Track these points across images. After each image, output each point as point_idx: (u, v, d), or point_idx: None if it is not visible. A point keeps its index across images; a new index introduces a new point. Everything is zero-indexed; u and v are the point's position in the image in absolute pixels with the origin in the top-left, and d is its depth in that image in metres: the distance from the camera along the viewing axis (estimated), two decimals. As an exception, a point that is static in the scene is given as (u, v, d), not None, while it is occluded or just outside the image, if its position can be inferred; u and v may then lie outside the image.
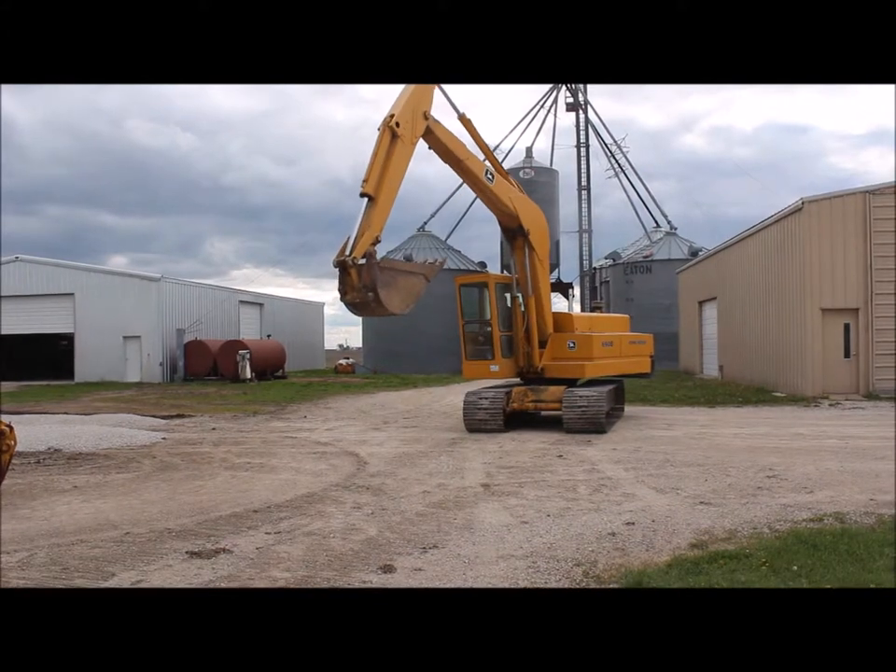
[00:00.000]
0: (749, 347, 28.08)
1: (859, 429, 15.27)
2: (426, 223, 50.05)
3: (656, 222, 52.42)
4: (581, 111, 52.00)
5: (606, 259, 53.07)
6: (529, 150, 51.86)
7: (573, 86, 51.64)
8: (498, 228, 16.71)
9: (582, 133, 51.94)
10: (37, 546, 7.26)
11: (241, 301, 48.59)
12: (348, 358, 52.79)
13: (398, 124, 12.65)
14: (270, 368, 40.94)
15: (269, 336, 47.80)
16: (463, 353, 16.66)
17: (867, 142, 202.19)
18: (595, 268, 52.67)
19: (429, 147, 14.09)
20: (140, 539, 7.49)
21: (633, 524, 7.78)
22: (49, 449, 13.86)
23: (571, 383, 16.26)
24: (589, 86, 52.50)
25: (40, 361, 44.27)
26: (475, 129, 15.42)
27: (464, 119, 15.24)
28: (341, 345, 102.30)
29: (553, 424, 16.15)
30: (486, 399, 15.79)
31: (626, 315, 21.96)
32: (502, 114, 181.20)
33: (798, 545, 6.59)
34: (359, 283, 12.03)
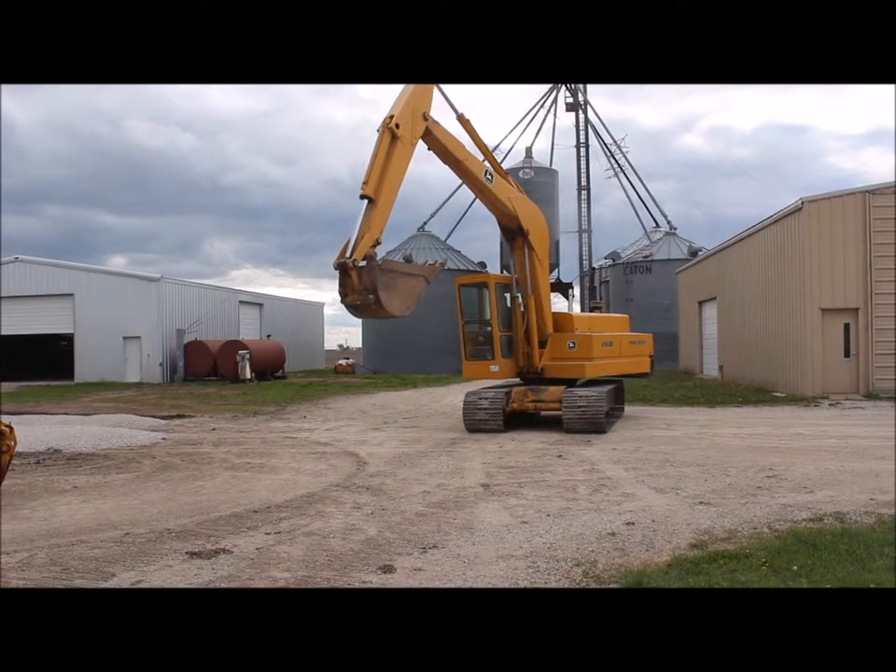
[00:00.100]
0: (748, 347, 28.08)
1: (859, 429, 15.27)
2: (425, 223, 50.08)
3: (656, 222, 52.45)
4: (580, 111, 52.00)
5: (605, 259, 53.07)
6: (529, 150, 51.87)
7: (573, 86, 51.63)
8: (498, 228, 16.71)
9: (582, 133, 51.96)
10: (37, 546, 7.26)
11: (240, 302, 48.60)
12: (348, 359, 52.77)
13: (397, 125, 12.65)
14: (269, 368, 40.94)
15: (269, 336, 47.79)
16: (463, 353, 16.66)
17: (866, 142, 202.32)
18: (594, 268, 52.66)
19: (429, 148, 14.09)
20: (140, 540, 7.49)
21: (633, 524, 7.78)
22: (49, 449, 13.86)
23: (571, 383, 16.26)
24: (589, 86, 52.53)
25: (40, 362, 44.28)
26: (474, 129, 15.42)
27: (463, 120, 15.24)
28: (340, 345, 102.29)
29: (553, 424, 16.15)
30: (486, 399, 15.80)
31: (626, 315, 21.96)
32: (502, 114, 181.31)
33: (798, 545, 6.60)
34: (360, 285, 12.03)
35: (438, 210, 51.51)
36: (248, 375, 37.47)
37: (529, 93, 79.85)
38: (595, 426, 14.95)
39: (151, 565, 6.64)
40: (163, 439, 15.69)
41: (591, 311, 33.56)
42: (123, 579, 6.26)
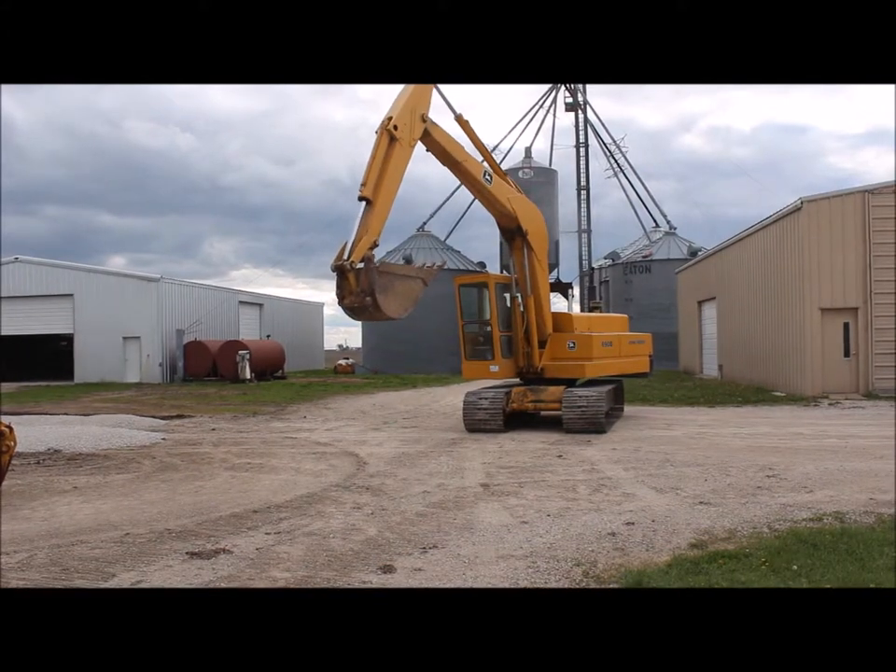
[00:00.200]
0: (748, 347, 28.09)
1: (858, 429, 15.28)
2: (425, 223, 50.10)
3: (655, 222, 52.48)
4: (580, 111, 51.99)
5: (605, 258, 53.11)
6: (528, 150, 51.87)
7: (572, 86, 51.63)
8: (497, 228, 16.71)
9: (581, 133, 51.94)
10: (37, 547, 7.26)
11: (240, 302, 48.60)
12: (348, 359, 52.77)
13: (395, 127, 12.64)
14: (269, 368, 40.95)
15: (268, 336, 47.81)
16: (463, 353, 16.66)
17: (865, 142, 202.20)
18: (594, 268, 52.68)
19: (427, 150, 14.08)
20: (140, 540, 7.49)
21: (633, 523, 7.78)
22: (49, 450, 13.85)
23: (571, 383, 16.26)
24: (588, 86, 52.52)
25: (40, 362, 44.27)
26: (472, 130, 15.42)
27: (461, 121, 15.24)
28: (340, 346, 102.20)
29: (553, 424, 16.15)
30: (486, 399, 15.80)
31: (625, 315, 21.97)
32: (501, 114, 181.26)
33: (798, 545, 6.60)
34: (357, 287, 12.00)
35: (437, 210, 51.60)
36: (248, 375, 37.47)
37: (529, 93, 79.91)
38: (594, 426, 14.95)
39: (151, 565, 6.64)
40: (163, 439, 15.69)
41: (590, 311, 33.59)
42: (123, 579, 6.26)
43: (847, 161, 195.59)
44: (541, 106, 53.83)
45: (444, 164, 14.50)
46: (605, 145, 53.29)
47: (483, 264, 48.25)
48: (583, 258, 52.48)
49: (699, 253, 41.11)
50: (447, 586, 5.94)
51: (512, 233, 15.98)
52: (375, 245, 12.28)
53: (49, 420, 19.10)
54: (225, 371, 38.28)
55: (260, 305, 51.50)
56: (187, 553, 6.98)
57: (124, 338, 39.88)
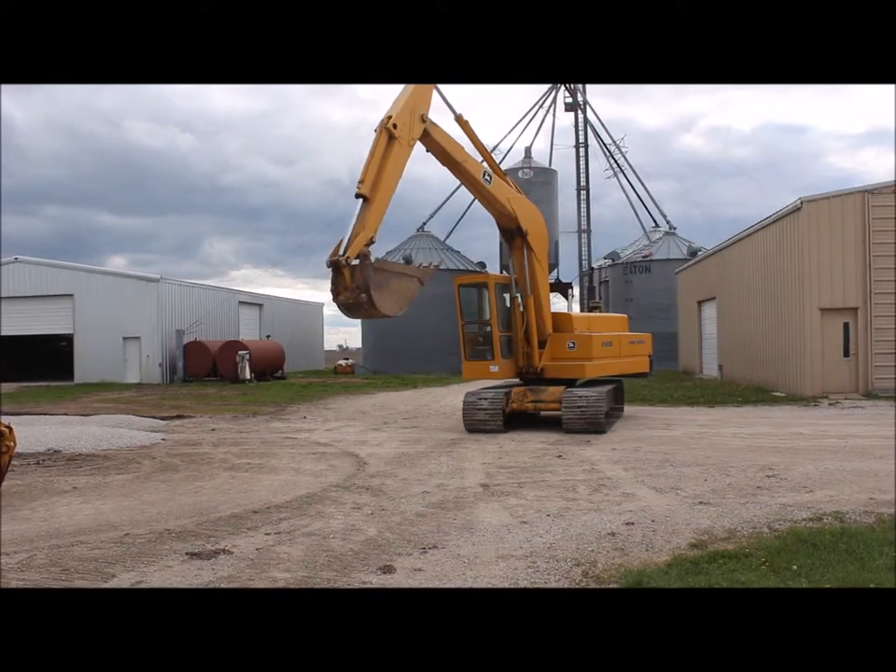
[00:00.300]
0: (748, 347, 28.09)
1: (858, 428, 15.28)
2: (425, 223, 50.11)
3: (655, 222, 52.49)
4: (579, 111, 52.01)
5: (605, 259, 53.12)
6: (528, 150, 51.88)
7: (572, 86, 51.64)
8: (497, 228, 16.71)
9: (581, 133, 51.96)
10: (37, 547, 7.26)
11: (240, 302, 48.59)
12: (347, 359, 52.78)
13: (395, 126, 12.62)
14: (269, 368, 40.95)
15: (268, 337, 47.81)
16: (462, 353, 16.66)
17: (865, 141, 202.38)
18: (593, 268, 52.69)
19: (427, 150, 14.07)
20: (140, 541, 7.49)
21: (632, 523, 7.78)
22: (49, 450, 13.85)
23: (570, 383, 16.26)
24: (588, 86, 52.54)
25: (39, 362, 44.27)
26: (472, 130, 15.42)
27: (461, 121, 15.23)
28: (340, 346, 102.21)
29: (553, 424, 16.15)
30: (486, 399, 15.80)
31: (624, 315, 21.97)
32: (501, 114, 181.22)
33: (798, 544, 6.60)
34: (352, 283, 11.93)
35: (437, 210, 51.62)
36: (248, 376, 37.47)
37: (528, 93, 79.85)
38: (594, 426, 14.95)
39: (151, 565, 6.64)
40: (163, 439, 15.68)
41: (590, 311, 33.59)
42: (123, 579, 6.25)
43: (846, 161, 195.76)
44: (541, 106, 53.89)
45: (444, 165, 14.49)
46: (604, 145, 53.35)
47: (482, 264, 48.26)
48: (583, 258, 52.51)
49: (699, 253, 41.11)
50: (447, 586, 5.94)
51: (512, 234, 15.97)
52: (372, 241, 12.20)
53: (49, 420, 19.10)
54: (225, 371, 38.28)
55: (260, 305, 51.50)
56: (186, 553, 6.97)
57: (124, 338, 39.87)
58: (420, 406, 23.24)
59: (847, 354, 22.74)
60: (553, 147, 56.28)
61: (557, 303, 20.26)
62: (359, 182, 12.26)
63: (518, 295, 16.09)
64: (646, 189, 55.42)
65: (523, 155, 51.59)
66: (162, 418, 20.01)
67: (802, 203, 22.79)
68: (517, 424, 16.13)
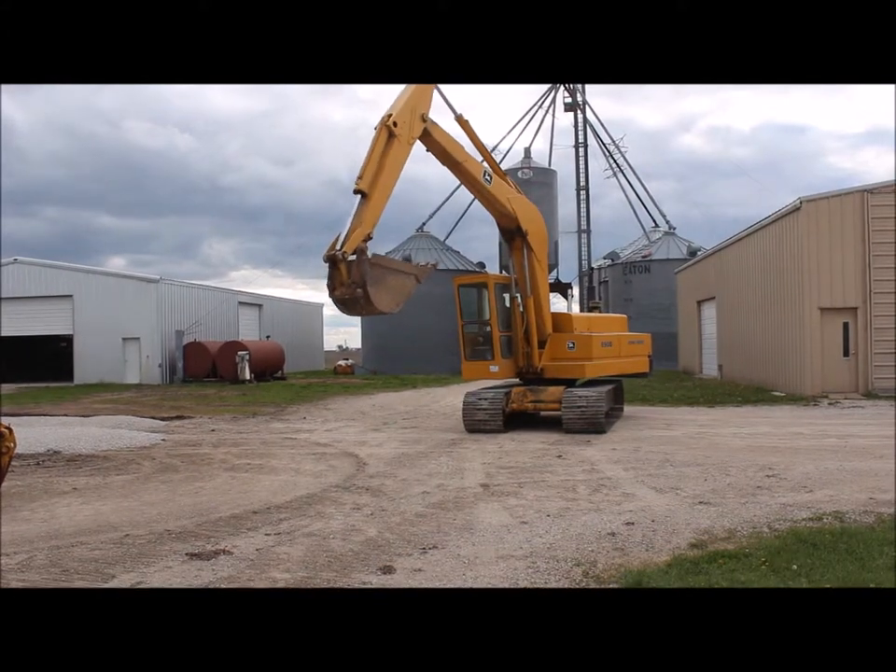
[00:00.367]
0: (747, 347, 28.10)
1: (858, 428, 15.28)
2: (424, 224, 50.14)
3: (655, 222, 52.52)
4: (579, 111, 52.02)
5: (604, 259, 53.14)
6: (528, 151, 51.91)
7: (571, 86, 51.66)
8: (497, 228, 16.71)
9: (581, 133, 51.98)
10: (37, 548, 7.26)
11: (240, 303, 48.58)
12: (347, 359, 52.79)
13: (395, 124, 12.61)
14: (269, 369, 40.94)
15: (268, 337, 47.81)
16: (462, 353, 16.66)
17: (865, 141, 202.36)
18: (593, 268, 52.72)
19: (427, 150, 14.07)
20: (140, 541, 7.48)
21: (632, 524, 7.78)
22: (49, 451, 13.85)
23: (570, 383, 16.26)
24: (587, 86, 52.55)
25: (39, 363, 44.24)
26: (473, 130, 15.42)
27: (461, 121, 15.23)
28: (340, 346, 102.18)
29: (553, 424, 16.15)
30: (486, 399, 15.80)
31: (624, 315, 21.98)
32: (500, 114, 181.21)
33: (797, 544, 6.60)
34: (348, 279, 11.84)
35: (437, 210, 51.65)
36: (248, 376, 37.46)
37: (528, 94, 79.85)
38: (594, 426, 14.95)
39: (151, 566, 6.64)
40: (163, 440, 15.68)
41: (590, 311, 33.59)
42: (123, 580, 6.25)
43: (846, 161, 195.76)
44: (541, 107, 53.90)
45: (444, 164, 14.49)
46: (604, 145, 53.38)
47: (482, 264, 48.29)
48: (583, 258, 52.54)
49: (698, 253, 41.14)
50: (447, 586, 5.94)
51: (512, 234, 15.98)
52: (369, 237, 12.11)
53: (49, 421, 19.10)
54: (224, 371, 38.27)
55: (260, 306, 51.49)
56: (186, 554, 6.97)
57: (124, 339, 39.87)
58: (420, 406, 23.24)
59: (846, 353, 22.75)
60: (553, 147, 56.35)
61: (557, 303, 20.26)
62: (358, 178, 12.22)
63: (518, 295, 16.09)
64: (645, 189, 55.62)
65: (522, 155, 51.62)
66: (162, 419, 20.01)
67: (801, 202, 22.80)
68: (517, 424, 16.13)
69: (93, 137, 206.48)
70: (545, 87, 53.26)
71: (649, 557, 6.57)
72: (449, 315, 18.89)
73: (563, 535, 7.40)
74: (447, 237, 51.57)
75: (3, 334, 40.95)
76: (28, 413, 22.06)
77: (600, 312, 28.03)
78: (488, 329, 16.16)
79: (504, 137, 63.80)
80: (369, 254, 11.99)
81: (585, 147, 51.98)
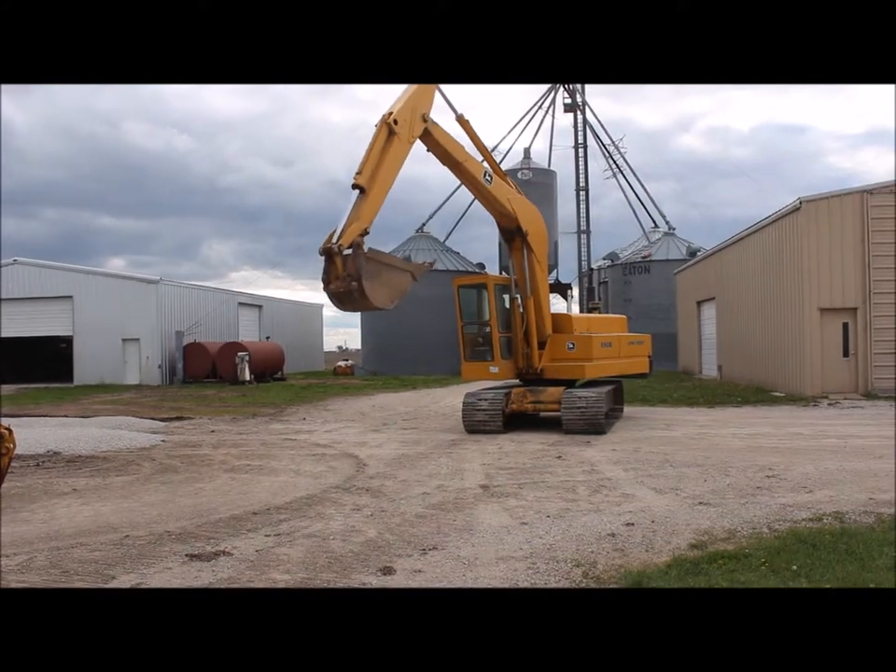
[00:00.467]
0: (747, 347, 28.10)
1: (858, 429, 15.28)
2: (424, 224, 50.15)
3: (654, 223, 52.56)
4: (578, 112, 52.04)
5: (604, 259, 53.16)
6: (527, 151, 51.92)
7: (571, 87, 51.69)
8: (497, 229, 16.70)
9: (580, 133, 52.00)
10: (37, 549, 7.25)
11: (239, 303, 48.58)
12: (347, 360, 52.80)
13: (395, 122, 12.61)
14: (269, 370, 40.93)
15: (268, 338, 47.81)
16: (462, 354, 16.65)
17: (864, 142, 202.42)
18: (593, 269, 52.74)
19: (428, 150, 14.07)
20: (140, 542, 7.48)
21: (632, 524, 7.78)
22: (49, 452, 13.84)
23: (570, 384, 16.26)
24: (587, 86, 52.58)
25: (39, 364, 44.24)
26: (473, 130, 15.42)
27: (462, 121, 15.23)
28: (340, 347, 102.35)
29: (553, 425, 16.15)
30: (485, 400, 15.79)
31: (624, 316, 21.99)
32: (500, 115, 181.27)
33: (797, 545, 6.60)
34: (344, 272, 11.79)
35: (437, 211, 51.68)
36: (247, 377, 37.45)
37: (528, 94, 79.84)
38: (594, 426, 14.95)
39: (151, 567, 6.63)
40: (163, 441, 15.68)
41: (589, 312, 33.61)
42: (123, 581, 6.25)
43: (846, 161, 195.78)
44: (540, 107, 53.93)
45: (445, 164, 14.49)
46: (603, 145, 53.43)
47: (482, 265, 48.31)
48: (582, 258, 52.56)
49: (698, 253, 41.16)
50: (446, 586, 5.93)
51: (512, 234, 15.97)
52: (366, 232, 12.02)
53: (49, 422, 19.10)
54: (224, 372, 38.26)
55: (260, 307, 51.49)
56: (186, 555, 6.97)
57: (123, 340, 39.85)
58: (419, 407, 23.24)
59: (846, 354, 22.76)
60: (553, 147, 56.35)
61: (557, 304, 20.28)
62: (357, 173, 12.17)
63: (518, 296, 16.09)
64: (645, 189, 55.64)
65: (522, 156, 51.62)
66: (162, 420, 20.00)
67: (801, 203, 22.81)
68: (517, 424, 16.13)
69: (92, 138, 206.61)
70: (545, 87, 53.34)
71: (649, 558, 6.56)
72: (449, 315, 18.88)
73: (563, 536, 7.39)
74: (447, 238, 51.66)
75: (3, 335, 40.94)
76: (28, 413, 22.05)
77: (600, 312, 28.07)
78: (488, 329, 16.16)
79: (504, 138, 63.86)
80: (365, 248, 11.94)
81: (585, 147, 52.03)
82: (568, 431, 15.04)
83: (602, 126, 54.62)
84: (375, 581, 6.11)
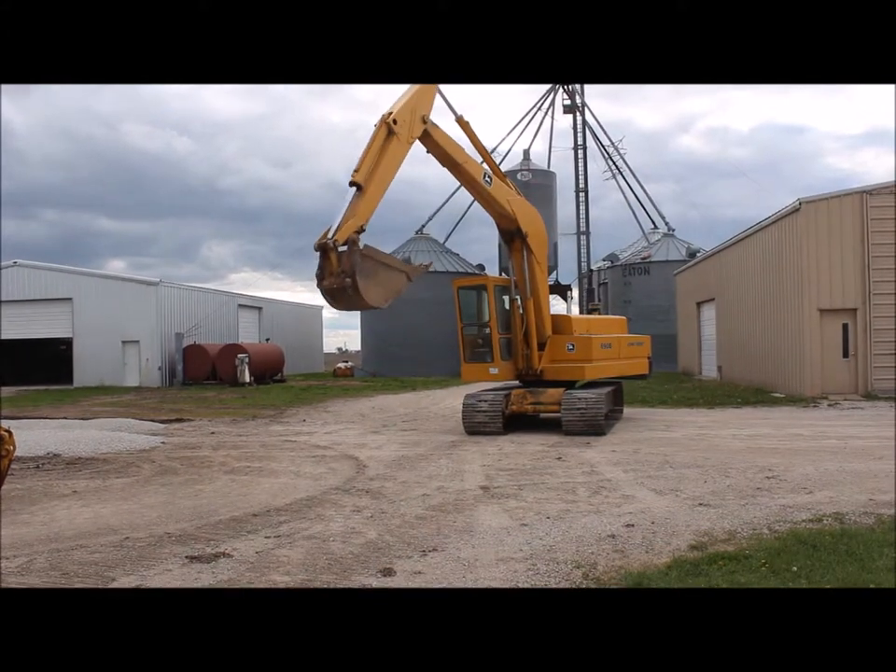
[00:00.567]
0: (747, 348, 28.10)
1: (857, 429, 15.28)
2: (424, 226, 50.16)
3: (654, 224, 52.59)
4: (578, 113, 52.07)
5: (604, 260, 53.19)
6: (527, 153, 51.97)
7: (570, 88, 51.73)
8: (497, 230, 16.71)
9: (580, 135, 52.06)
10: (37, 551, 7.24)
11: (239, 305, 48.57)
12: (347, 362, 52.77)
13: (395, 121, 12.61)
14: (268, 371, 40.92)
15: (267, 340, 47.79)
16: (462, 355, 16.65)
17: (864, 142, 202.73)
18: (592, 270, 52.76)
19: (427, 151, 14.07)
20: (140, 544, 7.47)
21: (632, 525, 7.77)
22: (49, 454, 13.83)
23: (570, 385, 16.26)
24: (586, 87, 52.63)
25: (39, 366, 44.24)
26: (473, 131, 15.42)
27: (462, 122, 15.24)
28: (339, 349, 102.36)
29: (553, 426, 16.14)
30: (485, 401, 15.78)
31: (623, 317, 21.99)
32: (500, 116, 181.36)
33: (798, 546, 6.59)
34: (338, 268, 11.73)
35: (436, 212, 51.69)
36: (247, 379, 37.43)
37: (527, 95, 79.89)
38: (594, 427, 14.94)
39: (151, 569, 6.62)
40: (163, 443, 15.67)
41: (589, 313, 33.62)
42: (123, 583, 6.24)
43: (845, 162, 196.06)
44: (539, 108, 53.99)
45: (444, 166, 14.50)
46: (603, 147, 53.47)
47: (482, 266, 48.34)
48: (582, 260, 52.61)
49: (698, 254, 41.17)
50: (446, 587, 5.93)
51: (512, 235, 15.97)
52: (362, 229, 11.99)
53: (49, 424, 19.08)
54: (224, 374, 38.24)
55: (259, 309, 51.47)
56: (186, 556, 6.96)
57: (123, 342, 39.83)
58: (419, 408, 23.23)
59: (846, 355, 22.76)
60: (552, 149, 56.41)
61: (556, 305, 20.29)
62: (354, 171, 12.14)
63: (517, 297, 16.09)
64: (644, 190, 55.64)
65: (521, 157, 51.66)
66: (162, 422, 19.99)
67: (800, 203, 22.82)
68: (517, 426, 16.12)
69: (92, 140, 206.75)
70: (544, 89, 53.40)
71: (649, 559, 6.56)
72: (448, 317, 18.88)
73: (563, 537, 7.39)
74: (447, 239, 51.71)
75: (2, 337, 40.92)
76: (28, 415, 22.04)
77: (600, 314, 28.07)
78: (488, 331, 16.15)
79: (503, 139, 64.03)
80: (360, 245, 11.92)
81: (584, 148, 52.09)
82: (568, 432, 15.03)
83: (601, 127, 54.73)
84: (375, 583, 6.10)
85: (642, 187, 55.18)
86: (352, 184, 12.14)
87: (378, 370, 45.29)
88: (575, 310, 47.34)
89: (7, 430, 6.66)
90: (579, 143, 51.96)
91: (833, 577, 5.69)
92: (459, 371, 17.44)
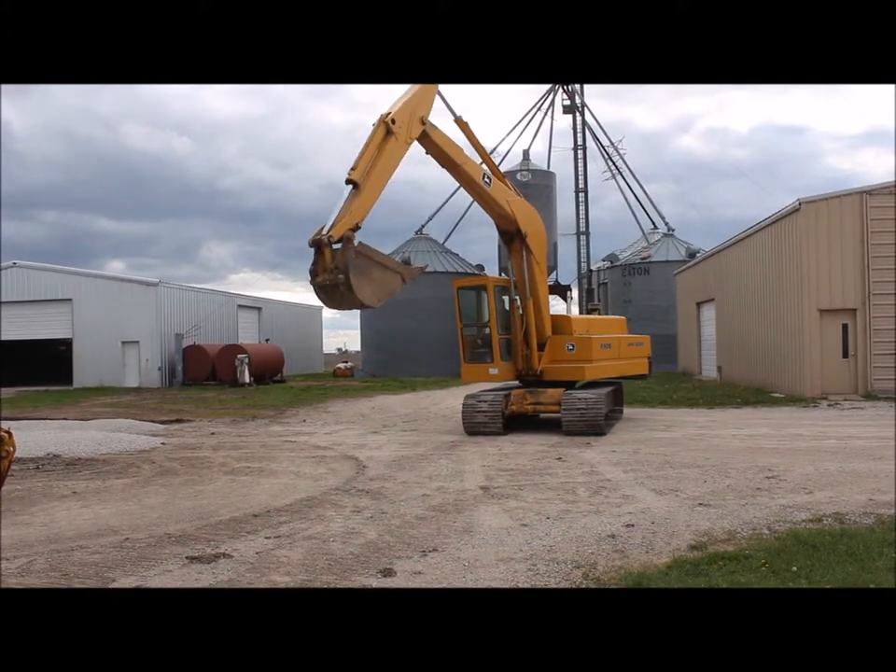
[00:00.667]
0: (747, 348, 28.10)
1: (857, 430, 15.28)
2: (423, 226, 50.13)
3: (653, 224, 52.55)
4: (577, 113, 52.06)
5: (603, 261, 53.19)
6: (526, 153, 51.95)
7: (570, 88, 51.72)
8: (496, 231, 16.70)
9: (579, 135, 52.02)
10: (37, 552, 7.24)
11: (239, 306, 48.55)
12: (347, 362, 52.74)
13: (393, 121, 12.61)
14: (268, 372, 40.90)
15: (267, 340, 47.76)
16: (462, 356, 16.65)
17: (863, 142, 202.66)
18: (592, 270, 52.76)
19: (426, 152, 14.06)
20: (140, 545, 7.47)
21: (632, 525, 7.77)
22: (48, 455, 13.83)
23: (570, 385, 16.26)
24: (585, 87, 52.61)
25: (38, 367, 44.19)
26: (472, 132, 15.42)
27: (461, 122, 15.24)
28: (339, 349, 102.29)
29: (553, 426, 16.14)
30: (485, 401, 15.78)
31: (623, 317, 22.00)
32: (499, 116, 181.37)
33: (797, 546, 6.60)
34: (332, 264, 11.71)
35: (436, 213, 51.64)
36: (247, 379, 37.42)
37: (527, 95, 79.77)
38: (594, 428, 14.95)
39: (151, 570, 6.62)
40: (162, 443, 15.66)
41: (589, 313, 33.61)
42: (123, 584, 6.24)
43: (845, 162, 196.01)
44: (539, 109, 53.95)
45: (443, 167, 14.49)
46: (602, 147, 53.40)
47: (481, 267, 48.32)
48: (582, 260, 52.58)
49: (697, 254, 41.17)
50: (446, 587, 5.93)
51: (511, 236, 15.97)
52: (357, 227, 11.97)
53: (49, 425, 19.08)
54: (224, 375, 38.22)
55: (259, 309, 51.45)
56: (186, 557, 6.96)
57: (123, 342, 39.81)
58: (419, 409, 23.23)
59: (846, 355, 22.75)
60: (552, 149, 56.31)
61: (556, 306, 20.29)
62: (351, 169, 12.12)
63: (517, 297, 16.10)
64: (644, 190, 55.51)
65: (521, 157, 51.65)
66: (162, 422, 19.99)
67: (800, 203, 22.82)
68: (517, 426, 16.12)
69: (91, 141, 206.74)
70: (544, 89, 53.37)
71: (649, 559, 6.56)
72: (448, 317, 18.88)
73: (563, 537, 7.39)
74: (446, 239, 51.66)
75: (2, 338, 40.91)
76: (27, 416, 22.03)
77: (599, 314, 28.09)
78: (487, 331, 16.15)
79: (503, 139, 63.99)
80: (355, 242, 11.90)
81: (584, 149, 52.05)
82: (568, 433, 15.03)
83: (601, 127, 54.65)
84: (375, 583, 6.10)
85: (642, 187, 55.24)
86: (348, 182, 12.12)
87: (378, 370, 45.29)
88: (575, 310, 47.31)
89: (6, 431, 6.66)
90: (578, 143, 51.94)
91: (832, 577, 5.69)
92: (459, 371, 17.44)
